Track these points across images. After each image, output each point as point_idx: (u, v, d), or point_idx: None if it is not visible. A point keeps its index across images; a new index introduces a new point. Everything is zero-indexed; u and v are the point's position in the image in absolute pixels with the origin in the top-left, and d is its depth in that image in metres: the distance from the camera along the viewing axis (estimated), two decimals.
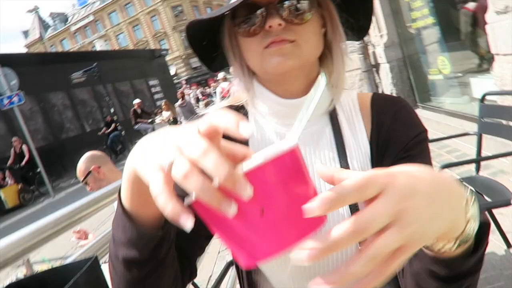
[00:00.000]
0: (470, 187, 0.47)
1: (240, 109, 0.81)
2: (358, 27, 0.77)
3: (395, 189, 0.35)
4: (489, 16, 2.70)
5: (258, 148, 0.74)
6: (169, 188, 0.36)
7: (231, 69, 0.80)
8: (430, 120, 4.86)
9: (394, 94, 5.66)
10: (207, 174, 0.33)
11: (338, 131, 0.75)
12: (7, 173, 11.19)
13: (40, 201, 11.19)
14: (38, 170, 11.32)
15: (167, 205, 0.35)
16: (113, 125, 14.36)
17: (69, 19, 57.04)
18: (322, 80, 0.45)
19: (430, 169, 0.40)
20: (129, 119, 13.42)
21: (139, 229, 0.52)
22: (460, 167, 3.12)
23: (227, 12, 0.66)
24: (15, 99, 10.61)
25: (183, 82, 40.15)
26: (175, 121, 10.81)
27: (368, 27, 0.79)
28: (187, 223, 0.35)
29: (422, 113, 5.20)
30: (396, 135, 0.73)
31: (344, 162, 0.72)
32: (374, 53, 5.94)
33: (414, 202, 0.35)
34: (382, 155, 0.73)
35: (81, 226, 1.66)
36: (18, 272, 1.44)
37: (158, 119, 11.81)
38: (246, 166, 0.34)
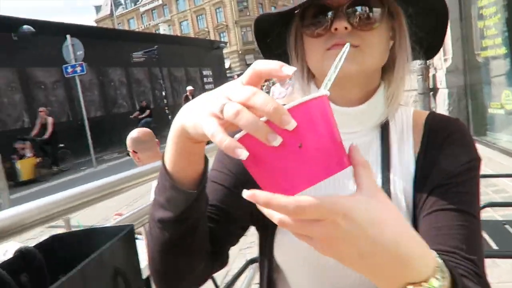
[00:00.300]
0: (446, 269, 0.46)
1: None
2: (428, 45, 0.75)
3: (331, 230, 0.39)
4: None
5: None
6: (223, 128, 0.41)
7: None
8: (482, 155, 4.60)
9: None
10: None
11: (386, 146, 0.73)
12: (28, 144, 10.67)
13: (76, 170, 11.31)
14: (61, 145, 11.31)
15: (224, 140, 0.39)
16: (147, 111, 14.70)
17: (139, 0, 59.53)
18: (346, 45, 0.51)
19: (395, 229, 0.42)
20: (178, 104, 13.77)
21: (177, 187, 0.56)
22: (505, 209, 2.95)
23: (297, 10, 0.66)
24: (78, 69, 11.24)
25: (235, 76, 40.66)
26: None
27: (439, 47, 0.76)
28: (243, 153, 0.38)
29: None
30: (445, 158, 0.70)
31: (385, 179, 0.71)
32: (434, 76, 5.71)
33: (340, 247, 0.40)
34: (426, 177, 0.70)
35: (119, 198, 1.73)
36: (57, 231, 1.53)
37: None
38: (288, 105, 0.39)
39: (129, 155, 2.36)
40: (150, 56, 14.50)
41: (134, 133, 2.42)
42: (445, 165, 0.69)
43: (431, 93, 5.76)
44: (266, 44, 0.79)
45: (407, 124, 0.77)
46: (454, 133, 0.72)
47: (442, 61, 5.48)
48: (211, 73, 25.05)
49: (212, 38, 46.70)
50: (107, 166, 11.70)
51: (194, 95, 13.48)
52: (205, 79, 24.61)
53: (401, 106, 0.78)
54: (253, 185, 0.42)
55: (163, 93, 14.48)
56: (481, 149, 4.77)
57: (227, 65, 38.12)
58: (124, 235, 0.64)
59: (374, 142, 0.75)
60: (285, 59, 0.79)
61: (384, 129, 0.75)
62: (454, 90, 5.32)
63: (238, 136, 0.40)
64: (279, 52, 0.79)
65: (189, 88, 13.31)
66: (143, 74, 20.08)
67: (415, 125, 0.76)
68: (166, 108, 14.12)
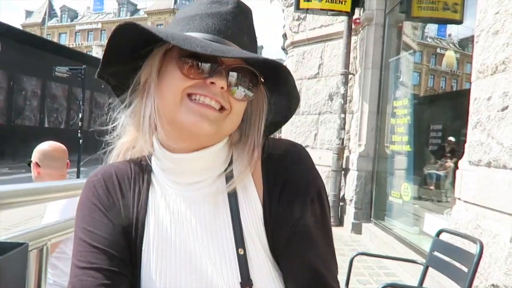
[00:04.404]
0: None
1: (142, 163, 0.76)
2: (271, 122, 0.77)
3: None
4: (462, 163, 2.91)
5: (157, 204, 0.72)
6: None
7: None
8: (378, 238, 4.96)
9: (349, 197, 5.83)
10: None
11: (232, 194, 0.72)
12: None
13: None
14: None
15: None
16: None
17: (78, 18, 57.38)
18: None
19: None
20: (92, 131, 12.83)
21: None
22: None
23: (201, 52, 0.60)
24: None
25: None
26: None
27: (278, 128, 0.80)
28: None
29: (373, 229, 5.31)
30: (288, 203, 0.70)
31: (238, 228, 0.69)
32: (348, 157, 6.18)
33: None
34: (277, 221, 0.70)
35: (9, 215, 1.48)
36: None
37: None
38: None
39: (29, 165, 2.07)
40: (75, 74, 13.64)
41: (46, 145, 2.14)
42: (290, 205, 0.70)
43: (343, 172, 6.19)
44: (112, 54, 0.68)
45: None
46: (292, 161, 0.73)
47: (356, 146, 5.98)
48: None
49: None
50: None
51: None
52: None
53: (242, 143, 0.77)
54: None
55: (80, 115, 13.52)
56: (378, 232, 5.13)
57: None
58: (16, 252, 0.52)
59: (220, 191, 0.72)
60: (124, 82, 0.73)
61: (228, 177, 0.73)
62: (362, 174, 5.78)
63: None
64: (116, 70, 0.72)
65: None
66: (62, 91, 18.79)
67: (253, 159, 0.74)
68: (79, 131, 13.11)
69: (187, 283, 0.67)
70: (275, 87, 0.72)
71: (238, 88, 0.66)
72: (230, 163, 0.73)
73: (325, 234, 0.72)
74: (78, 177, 10.23)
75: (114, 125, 0.77)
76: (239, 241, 0.68)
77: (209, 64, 0.64)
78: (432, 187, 5.91)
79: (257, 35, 0.77)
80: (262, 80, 0.71)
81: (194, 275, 0.67)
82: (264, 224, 0.70)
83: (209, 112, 0.64)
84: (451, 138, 5.91)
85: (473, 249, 1.90)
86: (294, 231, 0.69)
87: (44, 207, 2.05)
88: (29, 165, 2.08)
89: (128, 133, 0.76)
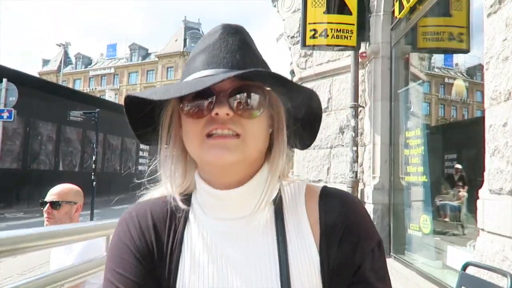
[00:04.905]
0: None
1: (180, 200, 0.74)
2: (300, 138, 0.78)
3: None
4: (482, 192, 2.81)
5: (194, 243, 0.70)
6: None
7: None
8: (400, 274, 4.75)
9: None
10: None
11: (281, 229, 0.69)
12: None
13: None
14: None
15: None
16: None
17: (92, 64, 59.58)
18: None
19: None
20: (106, 172, 12.95)
21: None
22: None
23: (177, 96, 0.63)
24: (5, 114, 10.50)
25: None
26: None
27: (310, 143, 0.80)
28: None
29: (394, 265, 5.10)
30: (350, 248, 0.68)
31: (284, 269, 0.65)
32: (362, 190, 6.06)
33: None
34: (336, 269, 0.67)
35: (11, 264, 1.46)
36: None
37: None
38: None
39: (42, 207, 2.06)
40: (89, 118, 13.99)
41: (70, 185, 2.17)
42: (350, 255, 0.68)
43: None
44: (136, 120, 0.75)
45: (300, 202, 0.74)
46: (351, 215, 0.71)
47: (371, 178, 5.88)
48: (148, 148, 24.59)
49: None
50: (6, 226, 10.30)
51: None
52: (140, 153, 24.00)
53: (293, 182, 0.77)
54: None
55: (93, 158, 13.71)
56: (399, 267, 4.92)
57: None
58: None
59: (267, 225, 0.70)
60: (155, 135, 0.76)
61: (278, 210, 0.72)
62: (379, 207, 5.63)
63: None
64: (151, 128, 0.76)
65: None
66: (76, 135, 19.19)
67: (309, 203, 0.73)
68: (92, 174, 13.24)
69: None
70: (286, 91, 0.71)
71: (243, 109, 0.66)
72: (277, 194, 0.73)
73: (386, 285, 0.69)
74: (91, 219, 10.21)
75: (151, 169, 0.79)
76: (285, 285, 0.65)
77: (207, 99, 0.65)
78: (452, 219, 5.72)
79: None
80: (268, 89, 0.69)
81: None
82: (320, 272, 0.67)
83: (226, 142, 0.64)
84: (465, 167, 5.79)
85: (502, 282, 1.80)
86: (354, 280, 0.66)
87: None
88: (61, 205, 2.06)
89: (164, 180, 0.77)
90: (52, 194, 2.10)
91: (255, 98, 0.67)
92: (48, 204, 2.05)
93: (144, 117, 0.74)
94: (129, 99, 0.70)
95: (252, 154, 0.68)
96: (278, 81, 0.66)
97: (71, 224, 1.83)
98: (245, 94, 0.66)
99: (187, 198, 0.74)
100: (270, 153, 0.74)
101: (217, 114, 0.64)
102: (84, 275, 1.41)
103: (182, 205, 0.72)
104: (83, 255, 1.80)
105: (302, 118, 0.76)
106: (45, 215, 2.08)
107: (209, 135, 0.65)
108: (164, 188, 0.75)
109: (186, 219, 0.72)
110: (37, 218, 11.02)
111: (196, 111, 0.66)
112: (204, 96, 0.65)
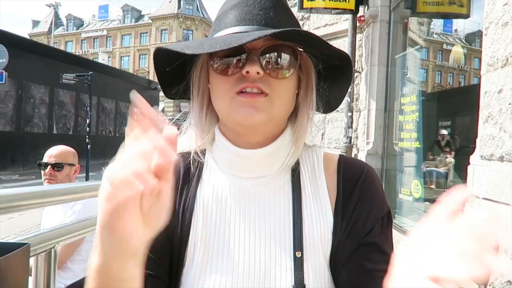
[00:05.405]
0: None
1: (193, 158, 0.75)
2: (327, 103, 0.79)
3: None
4: (473, 158, 2.86)
5: (206, 201, 0.71)
6: None
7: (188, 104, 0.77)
8: None
9: None
10: None
11: (298, 192, 0.71)
12: None
13: None
14: None
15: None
16: None
17: (84, 26, 57.95)
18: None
19: None
20: (100, 136, 12.91)
21: None
22: None
23: (211, 51, 0.62)
24: None
25: (167, 121, 40.16)
26: None
27: (336, 107, 0.81)
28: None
29: None
30: (362, 212, 0.71)
31: (298, 229, 0.68)
32: (356, 156, 6.13)
33: None
34: (347, 233, 0.70)
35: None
36: None
37: None
38: None
39: (41, 169, 2.09)
40: (82, 81, 13.77)
41: (67, 147, 2.19)
42: (363, 220, 0.70)
43: None
44: (165, 74, 0.74)
45: (319, 168, 0.76)
46: (367, 184, 0.74)
47: (364, 144, 5.93)
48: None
49: (151, 79, 46.42)
50: (2, 187, 10.38)
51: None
52: None
53: (310, 148, 0.78)
54: None
55: (87, 121, 13.64)
56: None
57: (160, 107, 37.66)
58: (17, 252, 0.51)
59: (285, 187, 0.72)
60: (184, 90, 0.76)
61: (295, 173, 0.73)
62: None
63: None
64: (179, 82, 0.76)
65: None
66: (69, 98, 18.97)
67: (327, 169, 0.76)
68: (87, 137, 13.23)
69: (232, 284, 0.64)
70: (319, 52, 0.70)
71: (273, 68, 0.65)
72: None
73: (391, 250, 0.72)
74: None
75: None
76: (298, 243, 0.66)
77: (238, 56, 0.64)
78: (442, 183, 5.84)
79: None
80: (300, 50, 0.68)
81: (242, 276, 0.65)
82: (332, 233, 0.70)
83: (254, 100, 0.64)
84: (458, 134, 5.84)
85: None
86: (363, 242, 0.69)
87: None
88: (63, 167, 2.09)
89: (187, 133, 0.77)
90: (53, 156, 2.12)
91: (286, 58, 0.66)
92: (49, 166, 2.07)
93: (171, 71, 0.73)
94: (158, 52, 0.68)
95: (278, 114, 0.69)
96: (314, 41, 0.64)
97: (72, 183, 1.86)
98: (276, 53, 0.65)
99: (202, 152, 0.75)
100: (294, 115, 0.74)
101: (247, 72, 0.63)
102: (81, 232, 1.45)
103: (199, 159, 0.73)
104: (84, 214, 1.84)
105: (330, 81, 0.76)
106: (45, 176, 2.10)
107: (239, 93, 0.65)
108: (183, 143, 0.76)
109: (200, 174, 0.73)
110: (32, 180, 11.11)
111: (226, 68, 0.65)
112: (235, 53, 0.64)
